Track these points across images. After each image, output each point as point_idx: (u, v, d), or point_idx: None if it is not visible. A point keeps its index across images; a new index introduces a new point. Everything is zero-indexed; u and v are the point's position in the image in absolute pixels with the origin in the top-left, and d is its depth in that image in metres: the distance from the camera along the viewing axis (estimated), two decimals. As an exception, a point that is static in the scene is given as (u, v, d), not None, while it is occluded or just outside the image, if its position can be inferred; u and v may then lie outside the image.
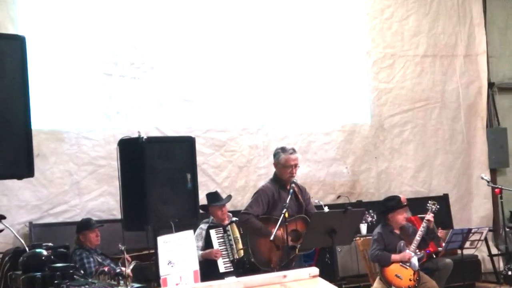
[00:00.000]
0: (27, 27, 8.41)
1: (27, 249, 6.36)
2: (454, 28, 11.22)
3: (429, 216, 8.04)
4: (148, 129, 8.41)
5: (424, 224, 8.01)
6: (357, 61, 10.58)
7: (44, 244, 6.37)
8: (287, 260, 6.64)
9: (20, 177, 4.71)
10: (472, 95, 11.29)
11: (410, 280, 7.69)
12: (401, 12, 10.87)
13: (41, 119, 8.19)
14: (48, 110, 8.55)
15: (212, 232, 7.83)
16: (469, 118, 11.25)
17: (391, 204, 8.20)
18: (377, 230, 8.16)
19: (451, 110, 11.16)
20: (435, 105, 11.05)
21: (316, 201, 8.19)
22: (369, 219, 9.15)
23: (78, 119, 8.81)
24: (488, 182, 10.05)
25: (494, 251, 10.81)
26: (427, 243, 8.19)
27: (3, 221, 7.47)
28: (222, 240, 7.84)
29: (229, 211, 8.08)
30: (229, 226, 7.88)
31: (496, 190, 10.38)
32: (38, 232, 8.30)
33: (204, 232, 7.84)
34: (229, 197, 8.29)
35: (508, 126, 11.41)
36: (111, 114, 8.98)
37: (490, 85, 11.41)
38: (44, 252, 5.87)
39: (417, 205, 8.71)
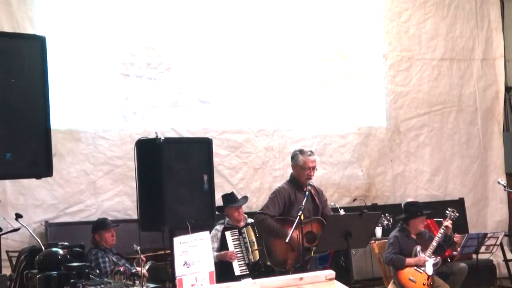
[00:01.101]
0: (45, 27, 8.47)
1: (43, 248, 6.38)
2: (472, 31, 11.20)
3: (448, 223, 8.02)
4: (164, 129, 8.44)
5: (441, 231, 7.99)
6: (373, 64, 10.58)
7: (60, 243, 6.40)
8: (302, 261, 6.64)
9: (38, 176, 4.73)
10: (489, 99, 11.27)
11: (423, 284, 7.68)
12: (418, 15, 10.87)
13: (58, 118, 8.19)
14: (65, 109, 8.60)
15: (228, 234, 7.83)
16: (486, 122, 11.23)
17: (414, 210, 8.18)
18: (393, 233, 8.14)
19: (468, 114, 11.14)
20: (452, 109, 11.04)
21: (332, 203, 8.19)
22: (385, 222, 9.15)
23: (95, 119, 8.86)
24: (504, 187, 10.00)
25: (510, 256, 10.74)
26: (444, 250, 8.17)
27: (19, 220, 7.53)
28: (237, 242, 7.83)
29: (245, 213, 8.08)
30: (244, 228, 7.88)
31: (512, 195, 10.36)
32: (54, 231, 8.35)
33: (219, 234, 7.84)
34: (246, 198, 8.30)
35: (525, 131, 11.39)
36: (127, 114, 9.01)
37: (507, 89, 11.41)
38: (60, 251, 5.89)
39: (433, 208, 8.68)
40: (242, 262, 7.75)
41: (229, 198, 8.10)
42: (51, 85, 5.42)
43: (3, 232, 7.31)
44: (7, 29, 8.15)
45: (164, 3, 9.25)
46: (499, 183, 9.94)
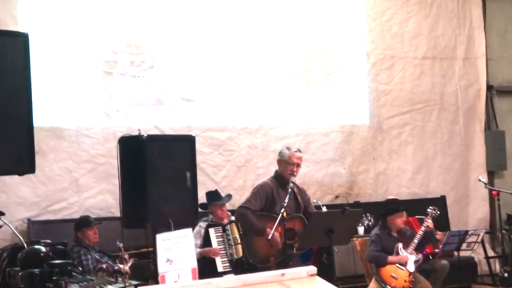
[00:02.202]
0: (28, 24, 8.42)
1: (25, 245, 6.37)
2: (454, 31, 11.25)
3: (429, 221, 8.09)
4: (147, 127, 8.41)
5: (422, 228, 8.05)
6: (356, 62, 10.61)
7: (42, 241, 6.39)
8: (283, 258, 6.68)
9: (21, 173, 4.73)
10: (471, 98, 11.32)
11: (405, 281, 7.73)
12: (401, 14, 10.90)
13: (41, 116, 8.16)
14: (49, 107, 8.59)
15: (211, 230, 7.84)
16: (467, 120, 11.28)
17: (391, 207, 8.24)
18: (375, 231, 8.20)
19: (450, 112, 11.19)
20: (434, 107, 11.08)
21: (314, 201, 8.22)
22: (366, 222, 9.22)
23: (78, 117, 8.85)
24: (485, 184, 10.09)
25: (491, 253, 10.83)
26: (424, 246, 8.25)
27: (1, 217, 7.48)
28: (221, 239, 7.85)
29: (228, 210, 8.10)
30: (228, 225, 7.88)
31: (493, 192, 10.42)
32: (37, 229, 8.32)
33: (203, 231, 7.85)
34: (229, 196, 8.30)
35: (506, 129, 11.46)
36: (110, 112, 9.01)
37: (489, 88, 11.45)
38: (43, 249, 5.89)
39: (415, 206, 8.74)
40: (225, 259, 7.76)
41: (213, 195, 8.10)
42: (35, 82, 5.44)
43: (-14, 229, 7.32)
44: (-9, 26, 8.14)
45: (147, 1, 9.25)
46: (480, 180, 10.02)
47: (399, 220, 8.16)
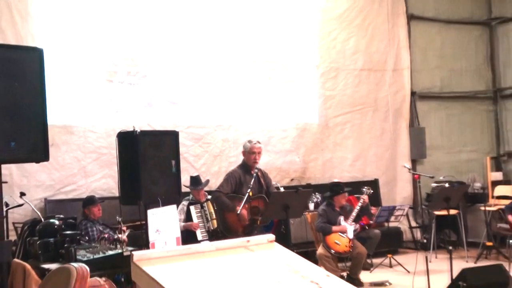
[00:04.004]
0: (44, 41, 8.34)
1: (42, 219, 6.35)
2: (385, 48, 11.30)
3: (364, 198, 8.18)
4: (141, 124, 8.34)
5: (359, 204, 8.14)
6: (308, 73, 10.61)
7: (56, 216, 6.37)
8: (249, 229, 6.71)
9: (38, 161, 4.69)
10: (398, 101, 11.38)
11: (346, 246, 7.80)
12: (343, 35, 10.92)
13: (55, 115, 8.15)
14: (61, 108, 8.52)
15: (192, 208, 7.87)
16: (395, 119, 11.34)
17: (337, 189, 8.30)
18: (322, 207, 8.25)
19: (382, 113, 11.24)
20: (369, 109, 11.13)
21: (274, 183, 8.23)
22: (315, 200, 9.27)
23: (85, 116, 8.80)
24: (409, 169, 10.18)
25: (413, 224, 10.95)
26: (361, 218, 8.33)
27: (23, 197, 7.47)
28: (199, 214, 7.87)
29: (206, 191, 8.10)
30: (205, 203, 7.93)
31: (415, 176, 10.51)
32: (52, 206, 8.27)
33: (185, 208, 7.86)
34: (207, 181, 8.30)
35: (425, 126, 11.52)
36: (111, 113, 8.96)
37: (413, 93, 11.49)
38: (56, 222, 5.88)
39: (354, 187, 8.79)
40: (204, 230, 7.80)
41: (195, 180, 8.10)
42: (50, 88, 5.39)
43: (10, 207, 7.25)
44: (13, 42, 8.03)
45: (141, 25, 9.19)
46: (405, 166, 10.11)
47: (343, 200, 8.24)
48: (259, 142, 7.20)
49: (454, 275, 6.21)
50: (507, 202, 9.78)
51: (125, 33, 9.09)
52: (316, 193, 9.30)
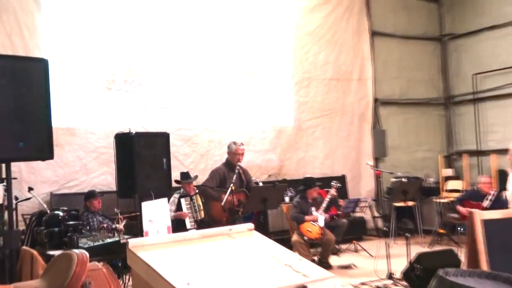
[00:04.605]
0: (50, 52, 8.28)
1: (48, 211, 6.28)
2: (351, 60, 11.35)
3: (333, 191, 8.20)
4: (136, 127, 8.30)
5: (329, 196, 8.16)
6: (284, 82, 10.62)
7: (60, 208, 6.30)
8: (231, 219, 6.70)
9: (43, 159, 4.65)
10: (362, 107, 11.44)
11: (317, 233, 7.82)
12: (315, 49, 10.95)
13: (59, 119, 8.10)
14: (65, 112, 8.45)
15: (182, 200, 7.83)
16: (360, 123, 11.40)
17: (309, 183, 8.32)
18: (296, 199, 8.27)
19: (348, 117, 11.29)
20: (337, 114, 11.16)
21: (254, 178, 8.24)
22: (290, 194, 9.28)
23: (86, 120, 8.73)
24: (372, 166, 10.26)
25: (376, 214, 11.02)
26: (330, 209, 8.35)
27: (31, 191, 7.39)
28: (189, 206, 7.84)
29: (194, 186, 8.08)
30: (194, 196, 7.89)
31: (377, 172, 10.60)
32: (56, 199, 8.20)
33: (176, 200, 7.83)
34: (196, 176, 8.29)
35: (386, 128, 11.59)
36: (110, 116, 8.88)
37: (375, 100, 11.56)
38: (61, 214, 5.81)
39: (324, 182, 8.83)
40: (192, 220, 7.76)
41: (185, 175, 8.09)
42: (55, 94, 5.34)
43: (19, 200, 7.19)
44: (22, 54, 7.96)
45: (136, 39, 9.15)
46: (368, 164, 10.18)
47: (314, 193, 8.25)
48: (242, 144, 7.21)
49: (411, 259, 6.26)
50: (457, 195, 9.90)
51: (122, 46, 9.03)
52: (290, 188, 9.30)
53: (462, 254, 5.98)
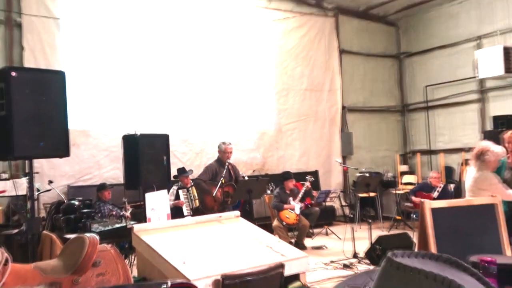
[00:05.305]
0: (68, 66, 8.20)
1: (65, 201, 6.22)
2: (323, 74, 11.38)
3: (308, 184, 8.22)
4: (141, 129, 8.25)
5: (304, 188, 8.18)
6: (267, 92, 10.61)
7: (76, 198, 6.24)
8: (222, 208, 6.68)
9: (61, 156, 4.61)
10: (332, 113, 11.47)
11: (294, 219, 7.85)
12: (292, 64, 10.96)
13: (76, 122, 8.06)
14: (81, 117, 8.38)
15: (180, 191, 7.81)
16: (331, 127, 11.42)
17: (286, 176, 8.35)
18: (277, 190, 8.29)
19: (321, 121, 11.30)
20: (311, 119, 11.17)
21: (241, 173, 8.23)
22: (270, 188, 9.27)
23: (99, 123, 8.65)
24: (340, 163, 10.29)
25: (344, 203, 11.07)
26: (305, 199, 8.37)
27: (51, 184, 7.32)
28: (186, 196, 7.82)
29: (190, 179, 8.05)
30: (190, 188, 7.87)
31: (345, 168, 10.64)
32: (73, 191, 8.13)
33: (175, 191, 7.81)
34: (191, 171, 8.27)
35: (352, 131, 11.64)
36: (119, 121, 8.81)
37: (343, 107, 11.61)
38: (76, 203, 5.75)
39: (300, 176, 8.86)
40: (188, 208, 7.74)
41: (182, 170, 8.09)
42: (72, 101, 5.29)
43: (40, 191, 7.13)
44: (43, 67, 7.88)
45: (141, 56, 9.08)
46: (337, 161, 10.21)
47: (291, 184, 8.27)
48: (231, 144, 7.18)
49: (373, 241, 6.29)
50: (411, 187, 9.96)
51: (130, 61, 8.97)
52: (272, 183, 9.30)
53: (415, 237, 6.03)
